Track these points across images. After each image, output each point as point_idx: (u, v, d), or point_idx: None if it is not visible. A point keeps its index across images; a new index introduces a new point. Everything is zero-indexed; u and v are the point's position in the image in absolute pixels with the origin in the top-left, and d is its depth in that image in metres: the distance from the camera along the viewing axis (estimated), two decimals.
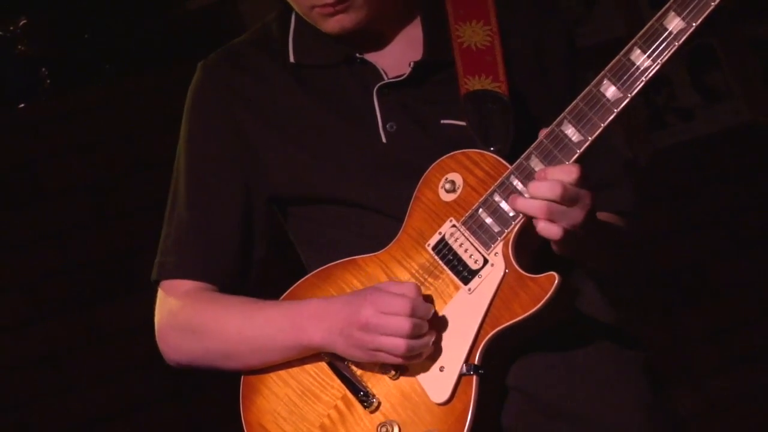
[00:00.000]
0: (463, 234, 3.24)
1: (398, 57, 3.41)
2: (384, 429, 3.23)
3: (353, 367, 3.28)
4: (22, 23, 5.68)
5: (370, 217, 3.37)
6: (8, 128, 6.00)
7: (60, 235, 6.24)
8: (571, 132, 3.15)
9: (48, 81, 5.80)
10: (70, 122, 6.16)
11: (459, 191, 3.27)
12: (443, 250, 3.25)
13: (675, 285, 6.69)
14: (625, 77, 3.14)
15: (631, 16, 5.91)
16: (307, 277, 3.39)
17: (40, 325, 6.30)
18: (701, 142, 6.31)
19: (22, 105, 5.80)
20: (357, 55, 3.40)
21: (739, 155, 6.53)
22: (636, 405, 3.35)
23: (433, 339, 3.20)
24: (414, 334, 3.15)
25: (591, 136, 3.14)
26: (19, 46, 5.74)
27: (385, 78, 3.38)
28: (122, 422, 6.28)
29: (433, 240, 3.26)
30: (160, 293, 3.49)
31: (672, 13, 3.15)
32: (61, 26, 5.78)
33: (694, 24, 3.13)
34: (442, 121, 3.36)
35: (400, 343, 3.14)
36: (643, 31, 3.17)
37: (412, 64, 3.37)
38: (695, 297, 6.64)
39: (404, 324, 3.13)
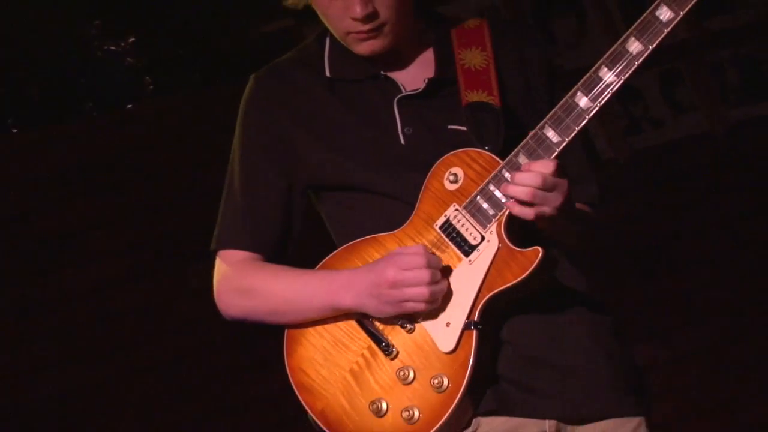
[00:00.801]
0: (464, 216, 3.23)
1: (414, 74, 3.40)
2: (402, 373, 3.22)
3: (376, 323, 3.27)
4: (130, 41, 5.71)
5: (389, 202, 3.35)
6: (119, 124, 6.02)
7: (157, 208, 6.21)
8: (551, 134, 3.16)
9: (150, 87, 5.82)
10: (166, 119, 6.16)
11: (460, 182, 3.26)
12: (448, 229, 3.24)
13: (645, 258, 6.66)
14: (594, 89, 3.14)
15: (613, 42, 5.96)
16: (337, 250, 3.38)
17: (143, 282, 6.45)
18: (670, 146, 6.34)
19: (130, 105, 5.82)
20: (381, 72, 3.38)
21: (700, 157, 6.54)
22: (603, 357, 3.32)
23: (445, 288, 3.20)
24: (433, 281, 3.16)
25: (567, 138, 3.15)
26: (128, 59, 5.76)
27: (404, 91, 3.37)
28: (194, 365, 6.37)
29: (440, 221, 3.25)
30: (217, 261, 3.49)
31: (632, 38, 3.14)
32: (161, 43, 5.81)
33: (650, 47, 3.13)
34: (448, 126, 3.35)
35: (424, 291, 3.14)
36: (609, 52, 3.18)
37: (426, 80, 3.36)
38: (661, 268, 6.65)
39: (424, 274, 3.15)
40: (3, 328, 6.09)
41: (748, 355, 6.74)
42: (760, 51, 6.31)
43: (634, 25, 3.20)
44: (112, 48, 5.70)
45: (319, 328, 3.38)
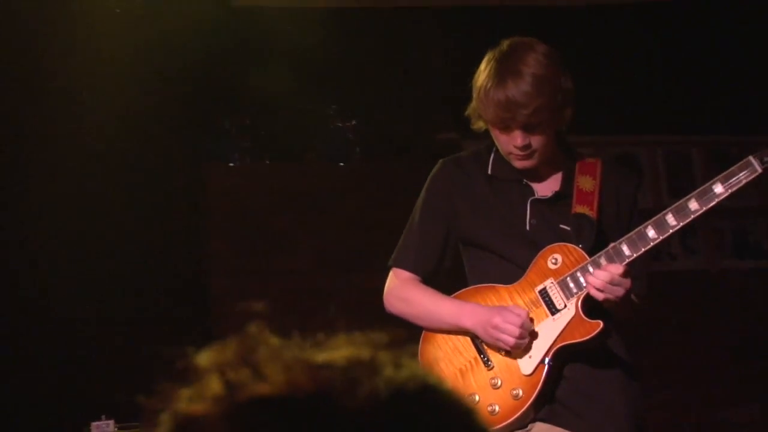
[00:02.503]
0: (556, 288, 3.32)
1: (545, 185, 3.42)
2: (493, 380, 3.33)
3: (483, 344, 3.36)
4: (352, 123, 5.81)
5: (508, 264, 3.39)
6: (332, 173, 5.83)
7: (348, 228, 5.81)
8: (625, 249, 3.28)
9: (358, 151, 5.84)
10: (372, 179, 5.87)
11: (558, 265, 3.34)
12: (543, 294, 3.33)
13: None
14: (661, 227, 3.28)
15: (656, 196, 6.03)
16: (467, 288, 3.45)
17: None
18: (676, 274, 6.21)
19: (342, 164, 5.83)
20: (524, 179, 3.40)
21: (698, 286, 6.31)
22: (623, 401, 3.37)
23: (527, 342, 3.31)
24: (520, 337, 3.27)
25: (636, 254, 3.26)
26: (349, 135, 5.84)
27: (536, 195, 3.39)
28: None
29: (539, 287, 3.34)
30: (390, 273, 3.53)
31: (693, 200, 3.27)
32: (370, 130, 5.88)
33: (704, 208, 3.27)
34: (559, 225, 3.38)
35: (511, 341, 3.27)
36: (675, 204, 3.30)
37: (553, 192, 3.40)
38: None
39: (515, 331, 3.26)
40: None
41: None
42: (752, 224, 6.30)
43: (696, 191, 3.30)
44: (339, 125, 5.77)
45: (445, 336, 3.44)
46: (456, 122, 5.52)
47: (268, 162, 5.72)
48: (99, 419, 4.82)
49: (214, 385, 1.00)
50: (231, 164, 5.66)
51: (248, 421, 0.97)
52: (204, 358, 1.04)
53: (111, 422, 4.85)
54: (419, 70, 5.83)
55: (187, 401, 1.02)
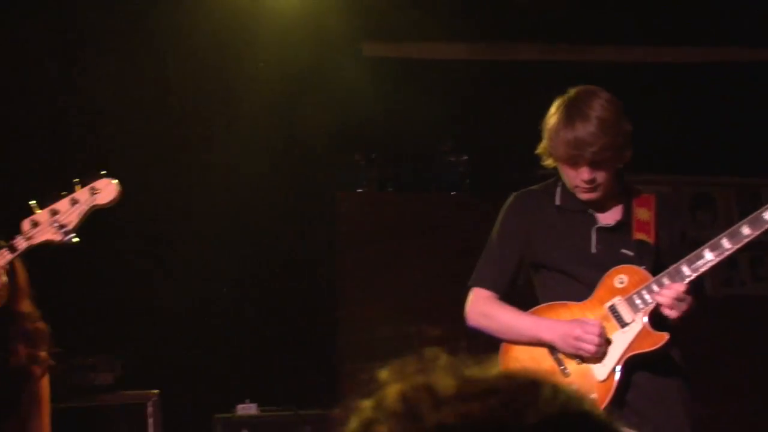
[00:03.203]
0: (624, 304, 3.29)
1: (608, 215, 3.39)
2: (571, 387, 3.38)
3: (560, 354, 3.33)
4: (464, 158, 5.77)
5: (577, 284, 3.36)
6: (451, 206, 5.78)
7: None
8: (685, 269, 3.24)
9: (467, 183, 5.79)
10: (478, 208, 5.34)
11: (625, 284, 3.30)
12: (613, 309, 3.30)
13: None
14: (717, 249, 3.23)
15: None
16: (541, 306, 3.41)
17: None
18: (747, 299, 6.05)
19: (454, 192, 5.78)
20: (589, 210, 3.38)
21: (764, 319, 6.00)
22: (681, 406, 3.35)
23: (603, 351, 3.29)
24: (598, 345, 3.26)
25: (695, 274, 3.23)
26: (460, 168, 5.78)
27: (599, 224, 3.37)
28: None
29: (608, 304, 3.31)
30: (471, 292, 3.49)
31: (746, 225, 3.22)
32: (480, 167, 5.81)
33: (756, 233, 3.23)
34: (621, 250, 3.34)
35: (592, 348, 3.25)
36: (730, 230, 3.26)
37: (615, 221, 3.37)
38: None
39: (595, 340, 3.25)
40: None
41: None
42: None
43: (748, 218, 3.25)
44: (452, 159, 5.75)
45: (523, 347, 3.40)
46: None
47: (390, 190, 5.75)
48: (244, 402, 4.98)
49: (394, 404, 0.92)
50: (359, 191, 5.72)
51: None
52: (385, 374, 0.96)
53: (254, 405, 5.00)
54: (524, 115, 5.87)
55: (370, 411, 0.94)
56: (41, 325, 3.82)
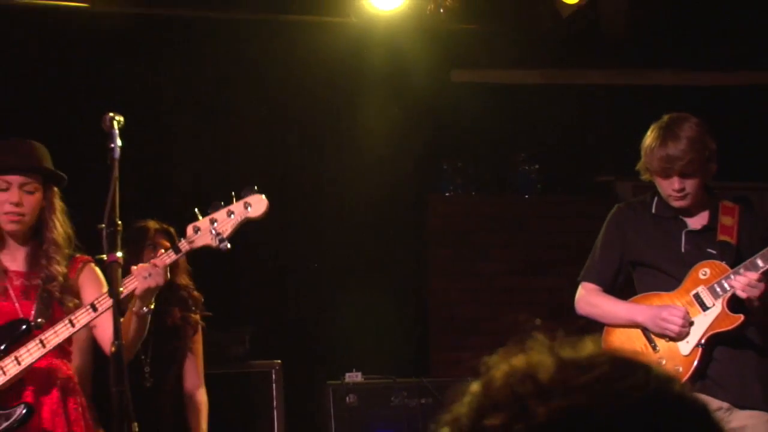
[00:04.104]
0: (706, 292, 3.26)
1: (696, 220, 3.36)
2: (660, 360, 3.22)
3: (651, 334, 3.30)
4: (536, 167, 5.61)
5: (667, 278, 3.33)
6: (525, 207, 5.68)
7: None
8: (760, 262, 3.21)
9: (539, 188, 5.64)
10: (548, 208, 5.66)
11: (708, 276, 3.27)
12: (696, 296, 3.27)
13: None
14: None
15: None
16: (638, 295, 3.38)
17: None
18: None
19: (527, 196, 5.67)
20: (679, 216, 3.35)
21: None
22: (758, 378, 3.27)
23: (687, 331, 3.26)
24: (682, 326, 3.23)
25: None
26: (533, 176, 5.61)
27: (689, 227, 3.34)
28: None
29: (693, 292, 3.28)
30: (580, 286, 3.47)
31: None
32: (548, 170, 5.72)
33: None
34: (707, 249, 3.31)
35: (675, 329, 3.23)
36: None
37: (702, 226, 3.33)
38: None
39: (679, 321, 3.22)
40: None
41: None
42: None
43: None
44: (526, 167, 5.61)
45: (621, 329, 3.38)
46: (611, 169, 5.60)
47: (473, 193, 5.70)
48: (351, 371, 4.94)
49: (502, 394, 0.82)
50: (447, 194, 5.67)
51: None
52: (494, 360, 0.87)
53: (359, 374, 4.94)
54: (587, 131, 5.86)
55: (482, 398, 0.85)
56: (196, 293, 3.95)
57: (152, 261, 2.91)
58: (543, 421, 0.79)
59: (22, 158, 3.00)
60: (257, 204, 2.98)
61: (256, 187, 3.01)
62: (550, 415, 0.78)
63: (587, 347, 0.85)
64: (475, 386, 0.85)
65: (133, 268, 2.91)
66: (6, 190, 2.96)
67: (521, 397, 0.81)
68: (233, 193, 2.99)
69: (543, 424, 0.78)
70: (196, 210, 2.99)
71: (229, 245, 2.95)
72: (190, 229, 2.98)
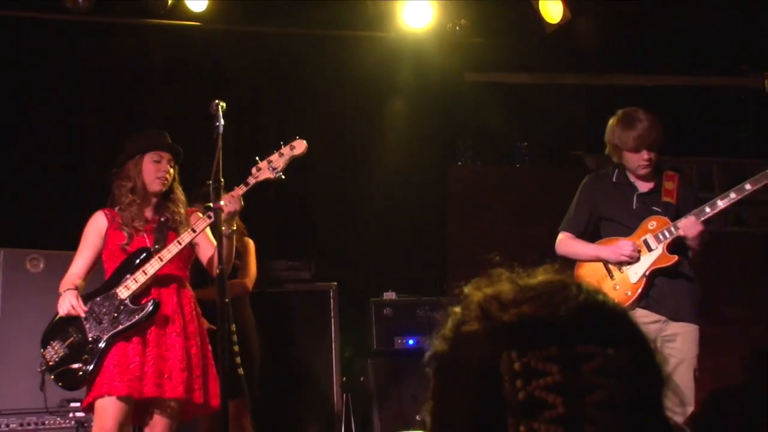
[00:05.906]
0: (652, 238, 3.17)
1: (645, 185, 3.25)
2: (615, 285, 3.15)
3: (610, 266, 3.20)
4: (525, 144, 5.57)
5: (624, 229, 3.23)
6: (516, 175, 5.34)
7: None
8: (707, 209, 3.10)
9: (527, 160, 5.37)
10: (535, 175, 5.33)
11: (654, 227, 3.18)
12: (645, 242, 3.17)
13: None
14: (725, 199, 3.07)
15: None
16: (602, 240, 3.28)
17: None
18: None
19: (518, 165, 5.40)
20: (633, 183, 3.25)
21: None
22: (689, 297, 3.17)
23: (636, 262, 3.14)
24: (633, 250, 3.13)
25: (713, 211, 3.08)
26: (523, 151, 5.37)
27: (639, 190, 3.24)
28: None
29: (642, 238, 3.18)
30: (560, 233, 3.36)
31: (748, 183, 3.06)
32: (534, 147, 5.52)
33: (755, 187, 3.05)
34: (653, 207, 3.22)
35: (627, 252, 3.13)
36: (738, 186, 3.07)
37: (649, 189, 3.23)
38: None
39: (630, 248, 3.13)
40: None
41: None
42: None
43: (753, 178, 3.02)
44: (518, 144, 5.39)
45: (589, 264, 3.28)
46: (582, 146, 5.46)
47: (479, 163, 5.52)
48: (387, 291, 4.80)
49: (475, 309, 0.82)
50: (460, 164, 5.49)
51: (498, 337, 0.79)
52: (468, 288, 0.85)
53: (394, 293, 4.79)
54: (565, 118, 5.73)
55: (460, 315, 0.83)
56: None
57: (230, 193, 2.94)
58: (502, 323, 0.79)
59: (167, 142, 3.18)
60: (299, 145, 3.02)
61: (297, 136, 3.05)
62: (509, 319, 0.79)
63: (538, 276, 0.85)
64: (456, 308, 0.85)
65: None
66: (159, 162, 3.12)
67: (488, 311, 0.81)
68: (281, 142, 3.05)
69: (503, 324, 0.79)
70: (257, 157, 3.04)
71: (283, 176, 2.99)
72: (254, 170, 3.02)
